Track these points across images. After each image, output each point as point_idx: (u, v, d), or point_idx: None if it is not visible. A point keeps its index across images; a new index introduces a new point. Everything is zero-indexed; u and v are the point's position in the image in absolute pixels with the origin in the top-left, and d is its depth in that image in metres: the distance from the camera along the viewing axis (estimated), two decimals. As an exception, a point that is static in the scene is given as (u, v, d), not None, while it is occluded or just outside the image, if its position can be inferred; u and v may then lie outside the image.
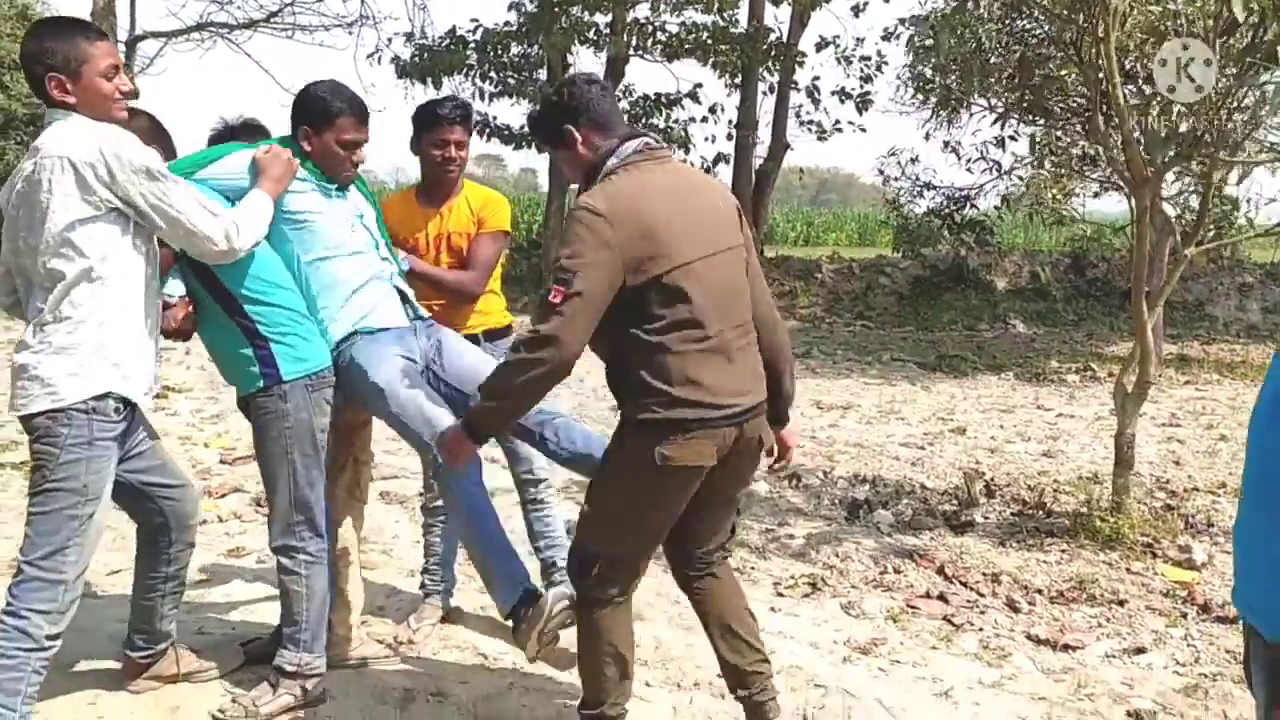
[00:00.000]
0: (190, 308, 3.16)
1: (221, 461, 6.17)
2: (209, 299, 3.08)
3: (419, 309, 3.41)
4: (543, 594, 2.95)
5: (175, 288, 3.17)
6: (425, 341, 3.34)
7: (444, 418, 3.04)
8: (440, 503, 3.69)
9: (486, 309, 3.92)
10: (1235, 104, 4.92)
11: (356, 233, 3.28)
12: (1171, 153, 4.54)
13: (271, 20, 16.29)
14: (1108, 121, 4.64)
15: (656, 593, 4.47)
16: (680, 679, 3.66)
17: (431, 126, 3.72)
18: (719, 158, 17.20)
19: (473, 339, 3.81)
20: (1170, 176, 10.61)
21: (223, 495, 5.49)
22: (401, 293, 3.38)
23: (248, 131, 3.45)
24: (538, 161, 17.88)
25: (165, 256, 3.02)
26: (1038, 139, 6.15)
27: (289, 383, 3.05)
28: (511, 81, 16.56)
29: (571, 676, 3.55)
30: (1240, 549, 1.55)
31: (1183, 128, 4.27)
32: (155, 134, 3.21)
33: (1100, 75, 4.41)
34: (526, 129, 3.07)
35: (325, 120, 3.16)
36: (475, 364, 3.31)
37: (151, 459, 3.06)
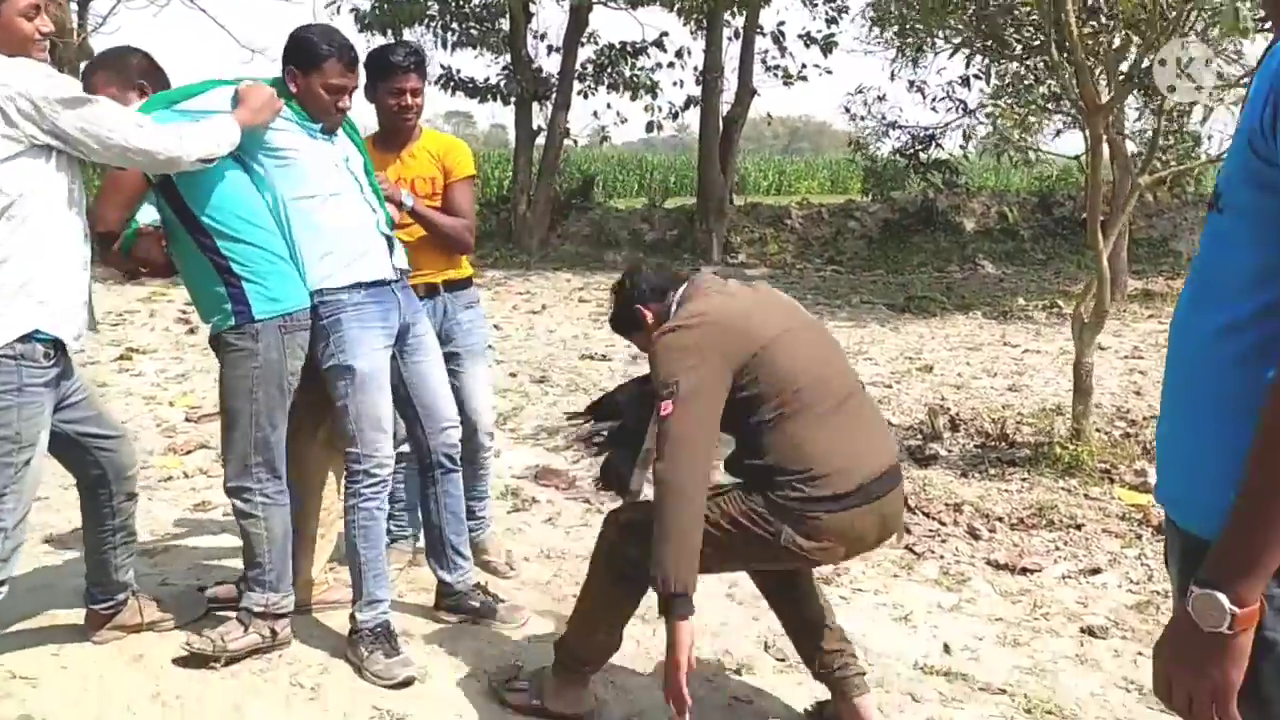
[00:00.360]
0: (163, 240, 3.14)
1: (187, 419, 6.15)
2: (181, 230, 3.06)
3: (404, 262, 3.39)
4: (394, 634, 3.22)
5: (147, 214, 3.14)
6: (406, 314, 3.34)
7: (385, 442, 3.22)
8: (405, 449, 3.70)
9: (449, 258, 3.90)
10: (1187, 29, 4.93)
11: (341, 176, 3.24)
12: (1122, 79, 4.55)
13: (227, -24, 15.94)
14: (1060, 50, 4.64)
15: (622, 532, 4.51)
16: (644, 613, 3.70)
17: (386, 75, 3.68)
18: (688, 102, 17.09)
19: (432, 288, 3.83)
20: (1133, 114, 10.65)
21: (188, 452, 5.48)
22: (390, 242, 3.34)
23: None
24: (505, 116, 17.76)
25: (135, 183, 2.99)
26: (994, 71, 6.14)
27: (261, 322, 3.05)
28: (474, 32, 16.36)
29: (532, 620, 3.61)
30: (1159, 445, 1.58)
31: (1133, 55, 4.28)
32: (151, 72, 3.18)
33: (1053, 4, 4.41)
34: (611, 325, 3.10)
35: (312, 63, 3.13)
36: (437, 388, 3.46)
37: (87, 409, 3.03)
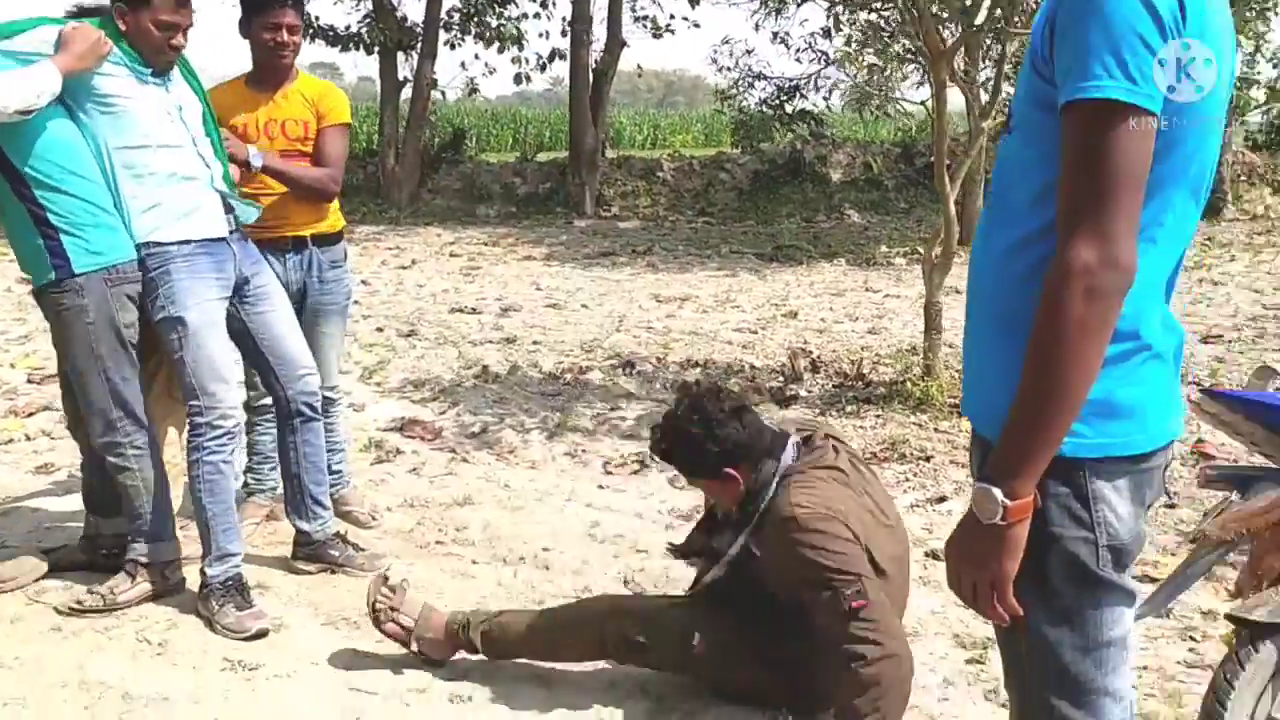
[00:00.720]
0: None
1: (29, 381, 5.88)
2: (0, 179, 2.92)
3: (241, 218, 3.28)
4: (246, 586, 3.17)
5: None
6: (244, 266, 3.24)
7: (226, 392, 3.12)
8: (267, 401, 3.63)
9: (319, 210, 3.80)
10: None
11: (174, 126, 3.11)
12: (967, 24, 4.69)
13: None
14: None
15: (486, 479, 4.52)
16: (506, 555, 3.74)
17: (262, 9, 3.56)
18: (554, 54, 16.90)
19: (300, 241, 3.74)
20: (986, 64, 10.97)
21: (30, 414, 5.24)
22: (226, 200, 3.23)
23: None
24: (372, 68, 17.22)
25: None
26: (846, 21, 6.26)
27: (82, 276, 2.95)
28: (333, -22, 15.81)
29: (394, 567, 3.61)
30: (964, 361, 1.67)
31: (972, 7, 4.42)
32: None
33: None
34: (662, 458, 2.75)
35: None
36: (286, 335, 3.36)
37: None
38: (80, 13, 3.18)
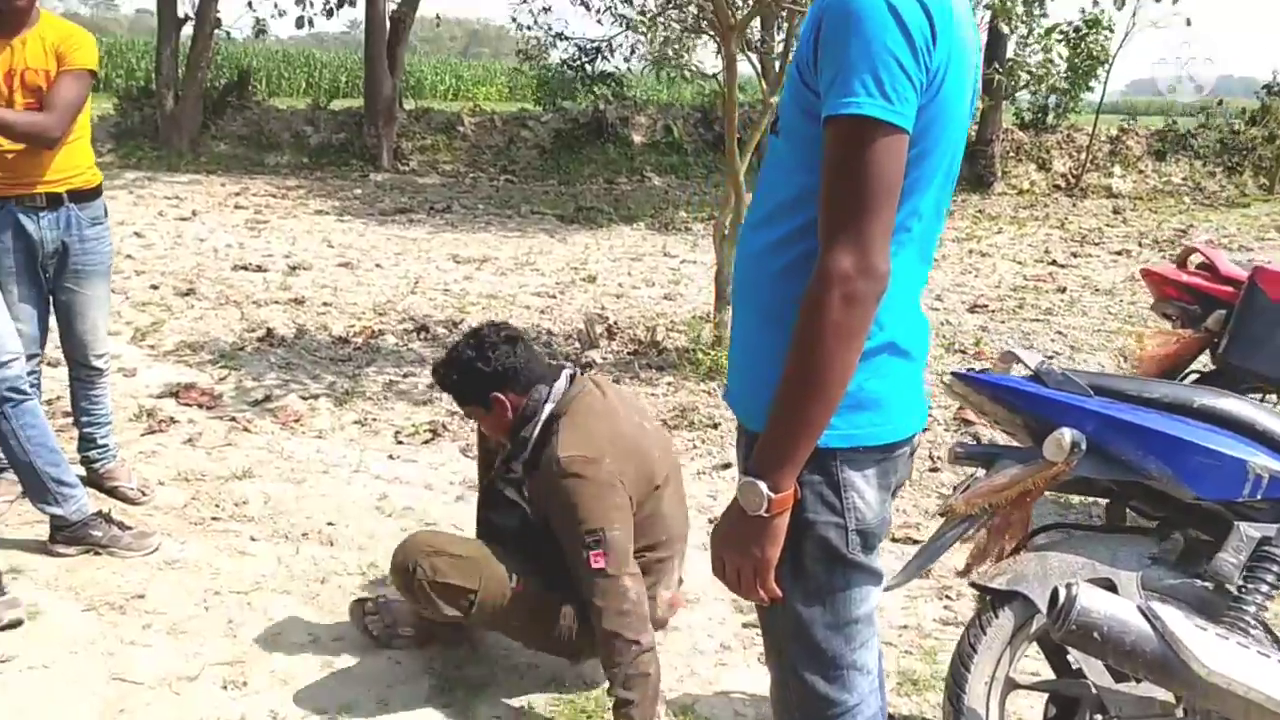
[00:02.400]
0: None
1: None
2: None
3: None
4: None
5: None
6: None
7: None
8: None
9: (74, 164, 3.52)
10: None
11: None
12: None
13: None
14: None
15: (268, 450, 4.36)
16: (289, 531, 3.63)
17: None
18: (342, 1, 16.19)
19: (56, 198, 3.46)
20: (781, 35, 11.26)
21: None
22: None
23: None
24: (150, 1, 16.00)
25: None
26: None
27: None
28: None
29: (165, 545, 3.44)
30: (730, 353, 1.73)
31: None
32: None
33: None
34: (440, 385, 2.82)
35: None
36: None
37: None
38: None
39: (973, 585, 2.27)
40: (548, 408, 2.68)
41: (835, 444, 1.50)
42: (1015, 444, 2.28)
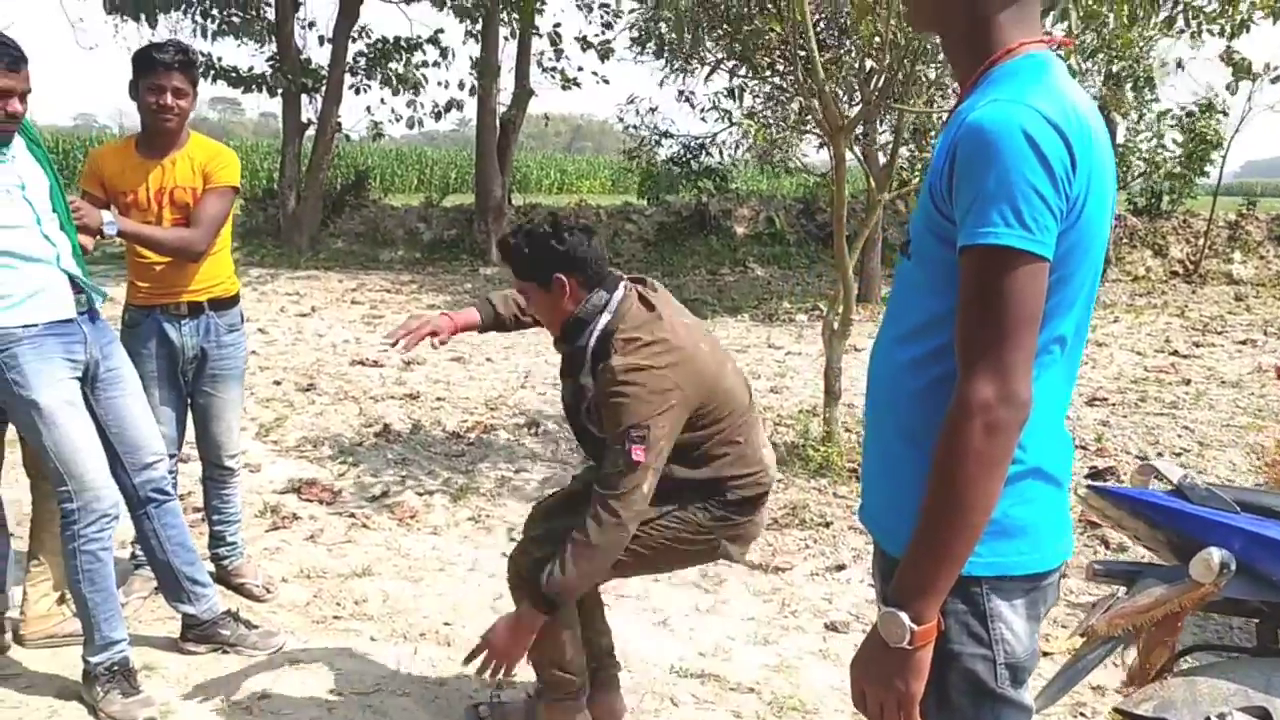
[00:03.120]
0: None
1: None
2: None
3: (94, 299, 3.11)
4: (132, 671, 3.08)
5: None
6: (95, 349, 3.08)
7: (96, 473, 2.96)
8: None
9: (215, 274, 3.71)
10: (925, 57, 5.32)
11: (14, 205, 2.94)
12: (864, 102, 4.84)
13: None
14: (806, 75, 4.91)
15: (386, 547, 4.44)
16: (406, 630, 3.67)
17: (147, 72, 3.48)
18: (450, 103, 16.87)
19: (197, 306, 3.65)
20: (885, 129, 11.34)
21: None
22: (73, 279, 3.06)
23: None
24: (275, 105, 16.95)
25: None
26: (749, 89, 6.43)
27: None
28: (236, 20, 15.61)
29: (289, 644, 3.51)
30: (862, 469, 1.71)
31: (871, 81, 4.56)
32: None
33: (797, 29, 4.65)
34: (504, 253, 2.79)
35: None
36: (137, 422, 3.19)
37: None
38: None
39: (1116, 711, 2.17)
40: (604, 317, 2.66)
41: (981, 572, 1.47)
42: (1158, 561, 2.19)
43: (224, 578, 3.92)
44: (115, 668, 3.00)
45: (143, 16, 14.53)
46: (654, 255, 16.42)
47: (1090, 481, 2.28)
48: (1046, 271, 1.40)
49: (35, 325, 2.92)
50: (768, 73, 6.12)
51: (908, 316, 1.58)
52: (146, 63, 3.48)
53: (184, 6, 15.05)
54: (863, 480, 1.71)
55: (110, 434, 3.13)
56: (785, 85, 6.11)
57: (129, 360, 3.28)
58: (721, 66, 6.11)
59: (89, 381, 3.09)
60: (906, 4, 1.71)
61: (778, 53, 5.75)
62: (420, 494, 5.13)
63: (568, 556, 2.53)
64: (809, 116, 5.44)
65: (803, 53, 4.70)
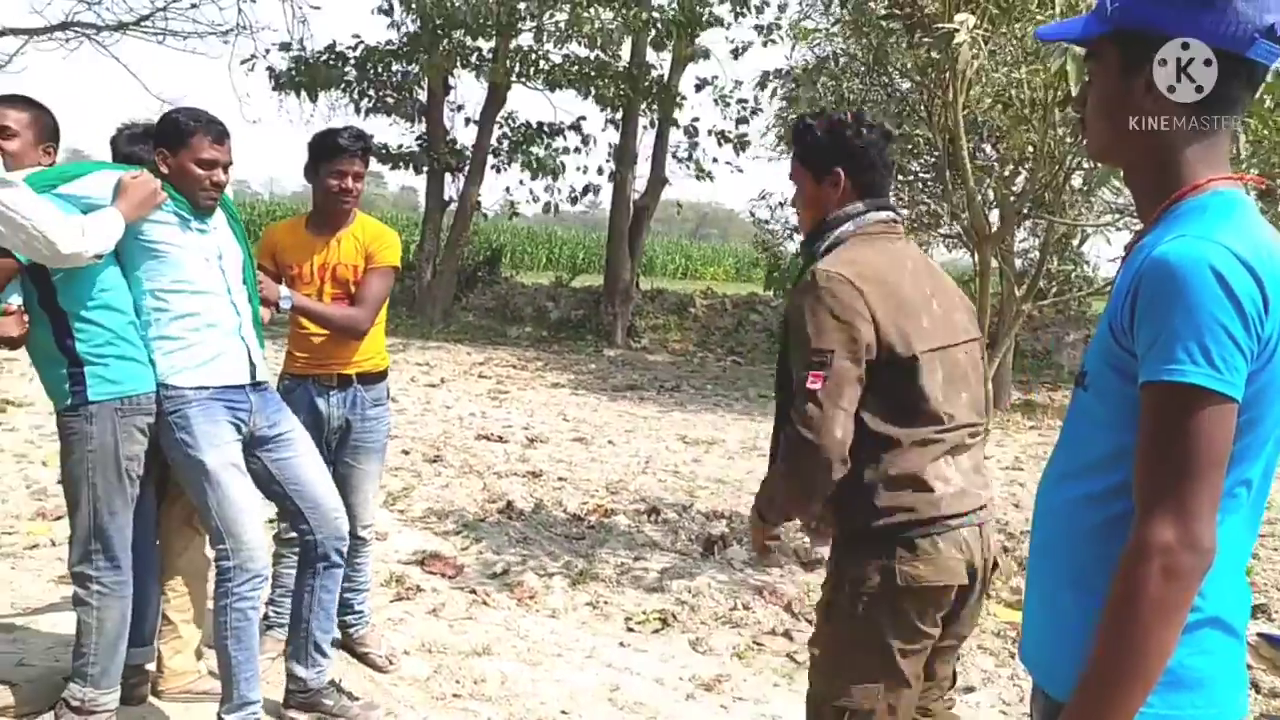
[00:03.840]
0: (25, 318, 3.05)
1: (59, 482, 5.89)
2: (41, 314, 2.98)
3: (260, 370, 3.28)
4: None
5: (13, 297, 3.06)
6: (260, 417, 3.23)
7: (253, 534, 3.06)
8: (294, 534, 3.63)
9: (369, 349, 3.87)
10: (1073, 167, 5.25)
11: (210, 273, 3.15)
12: (1014, 212, 4.79)
13: (142, 24, 15.63)
14: (954, 180, 4.90)
15: (505, 627, 4.46)
16: (524, 716, 3.67)
17: (331, 156, 3.67)
18: (587, 189, 17.33)
19: (345, 379, 3.80)
20: (1022, 234, 11.18)
21: (58, 518, 5.25)
22: (250, 350, 3.25)
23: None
24: (417, 180, 17.74)
25: (7, 266, 2.91)
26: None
27: (95, 404, 2.95)
28: (390, 100, 16.44)
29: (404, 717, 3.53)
30: (1025, 606, 1.66)
31: (1020, 190, 4.52)
32: (56, 135, 3.20)
33: (948, 136, 4.66)
34: (795, 134, 2.56)
35: (179, 140, 3.08)
36: (315, 480, 3.32)
37: None
38: (145, 134, 3.33)
39: None
40: (849, 225, 2.43)
41: (1155, 726, 1.40)
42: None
43: (349, 645, 3.99)
44: None
45: (303, 92, 15.42)
46: (777, 347, 16.36)
47: (1262, 630, 2.12)
48: (1235, 413, 1.35)
49: (207, 389, 3.08)
50: (910, 176, 6.14)
51: (1083, 451, 1.54)
52: (330, 149, 3.68)
53: (343, 85, 15.93)
54: (1024, 616, 1.65)
55: (291, 491, 3.26)
56: (927, 190, 6.10)
57: (300, 424, 3.42)
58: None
59: (262, 447, 3.23)
60: (1085, 131, 1.70)
61: (924, 159, 5.76)
62: (540, 575, 5.16)
63: (776, 476, 2.36)
64: (955, 220, 5.39)
65: (952, 159, 4.70)
